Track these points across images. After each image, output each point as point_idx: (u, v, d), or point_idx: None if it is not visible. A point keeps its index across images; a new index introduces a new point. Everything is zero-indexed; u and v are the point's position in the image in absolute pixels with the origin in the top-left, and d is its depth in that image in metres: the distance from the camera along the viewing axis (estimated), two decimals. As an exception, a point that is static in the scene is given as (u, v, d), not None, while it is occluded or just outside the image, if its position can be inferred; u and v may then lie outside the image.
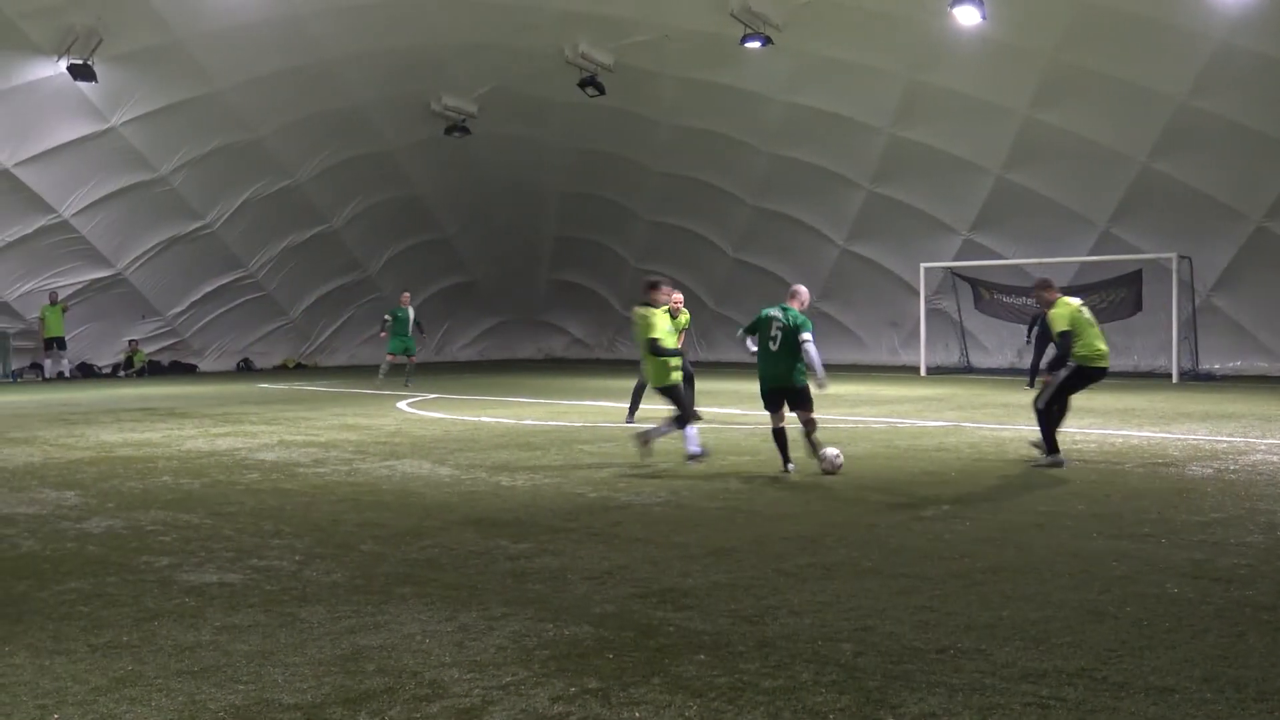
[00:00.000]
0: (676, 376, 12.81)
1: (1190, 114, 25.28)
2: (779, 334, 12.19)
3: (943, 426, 16.01)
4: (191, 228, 32.05)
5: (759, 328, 12.43)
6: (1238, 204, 26.86)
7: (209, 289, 34.22)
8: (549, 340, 45.52)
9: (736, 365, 34.98)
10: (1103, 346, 12.62)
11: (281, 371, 35.80)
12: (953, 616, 6.20)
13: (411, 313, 27.50)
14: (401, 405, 21.38)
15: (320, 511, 9.77)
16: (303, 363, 37.79)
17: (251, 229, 33.41)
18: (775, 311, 12.36)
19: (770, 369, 12.26)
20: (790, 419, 12.27)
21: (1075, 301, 12.80)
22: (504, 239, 40.12)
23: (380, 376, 27.21)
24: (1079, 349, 12.48)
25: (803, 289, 12.84)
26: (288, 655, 5.63)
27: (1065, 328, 12.45)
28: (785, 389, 12.21)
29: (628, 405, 17.81)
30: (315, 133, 31.46)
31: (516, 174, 36.41)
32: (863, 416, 17.23)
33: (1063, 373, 12.57)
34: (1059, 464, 12.25)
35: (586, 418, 18.52)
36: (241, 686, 5.18)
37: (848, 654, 5.56)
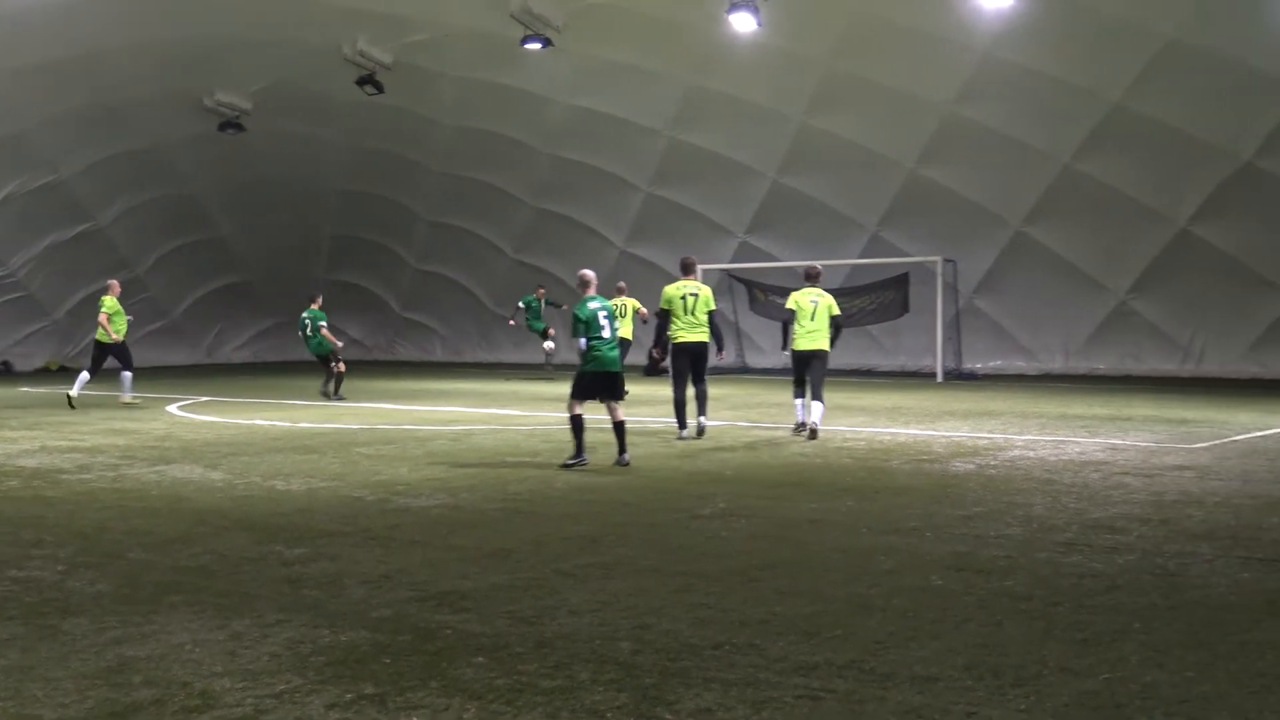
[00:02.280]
0: None
1: (956, 122, 26.28)
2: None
3: (719, 426, 16.26)
4: (-55, 225, 30.54)
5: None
6: (999, 209, 28.03)
7: (-35, 289, 32.69)
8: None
9: (515, 366, 34.99)
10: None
11: (44, 374, 34.34)
12: (728, 613, 6.31)
13: (542, 305, 30.95)
14: (172, 409, 20.78)
15: (85, 519, 9.40)
16: (66, 365, 36.31)
17: (12, 226, 31.91)
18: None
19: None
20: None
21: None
22: (280, 238, 39.21)
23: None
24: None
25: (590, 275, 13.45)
26: (49, 669, 5.41)
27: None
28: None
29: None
30: (81, 127, 30.21)
31: (293, 172, 35.64)
32: (640, 416, 17.37)
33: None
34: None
35: (364, 420, 18.28)
36: (-2, 703, 4.97)
37: (626, 652, 5.61)
